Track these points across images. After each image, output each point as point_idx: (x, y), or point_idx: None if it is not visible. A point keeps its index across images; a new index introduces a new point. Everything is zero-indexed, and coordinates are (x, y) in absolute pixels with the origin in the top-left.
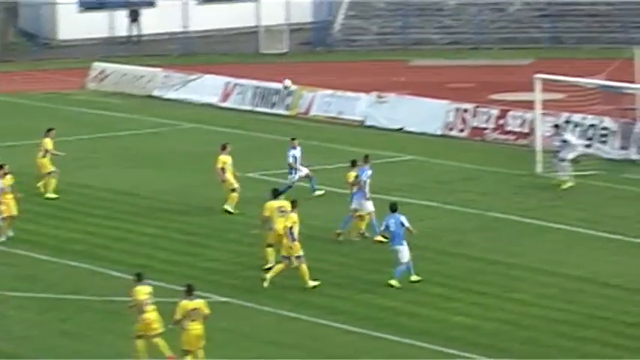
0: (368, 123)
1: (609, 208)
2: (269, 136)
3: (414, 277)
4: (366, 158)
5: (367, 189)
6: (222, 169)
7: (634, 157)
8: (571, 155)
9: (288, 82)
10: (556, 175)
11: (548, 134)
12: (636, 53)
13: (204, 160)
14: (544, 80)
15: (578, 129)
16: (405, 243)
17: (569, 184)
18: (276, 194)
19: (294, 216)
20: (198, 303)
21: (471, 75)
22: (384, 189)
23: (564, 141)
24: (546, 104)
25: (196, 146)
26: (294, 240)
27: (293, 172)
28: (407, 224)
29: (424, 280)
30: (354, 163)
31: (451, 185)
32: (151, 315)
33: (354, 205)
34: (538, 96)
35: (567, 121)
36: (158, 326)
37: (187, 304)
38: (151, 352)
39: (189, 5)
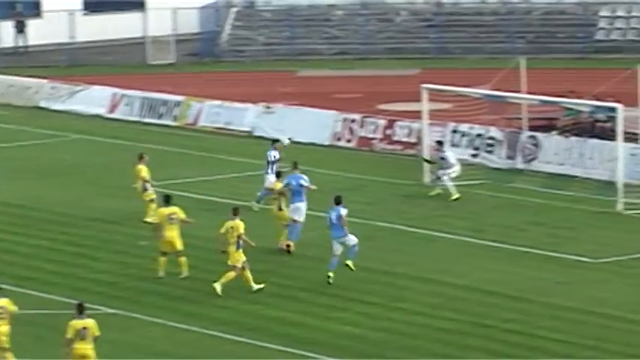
0: (256, 133)
1: (493, 217)
2: (157, 147)
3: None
4: (295, 165)
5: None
6: (145, 180)
7: (520, 166)
8: (447, 172)
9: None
10: (438, 185)
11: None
12: (521, 63)
13: (91, 171)
14: (431, 90)
15: (465, 138)
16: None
17: (456, 195)
18: (167, 200)
19: (241, 223)
20: (88, 322)
21: (359, 85)
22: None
23: (442, 158)
24: (433, 114)
25: (84, 157)
26: (239, 248)
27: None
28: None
29: (312, 290)
30: (278, 175)
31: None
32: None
33: (290, 213)
34: (425, 106)
35: (454, 131)
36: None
37: (77, 323)
38: None
39: (76, 15)
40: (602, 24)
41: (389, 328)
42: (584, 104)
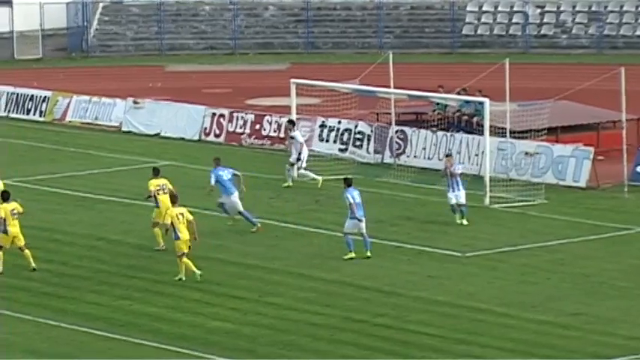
0: (125, 128)
1: (365, 212)
2: (26, 143)
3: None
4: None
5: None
6: None
7: (388, 160)
8: (293, 156)
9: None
10: (301, 176)
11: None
12: (390, 57)
13: None
14: (300, 85)
15: (333, 133)
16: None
17: (289, 183)
18: (5, 198)
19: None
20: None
21: (228, 80)
22: (141, 195)
23: (292, 137)
24: (302, 109)
25: None
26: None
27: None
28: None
29: (182, 286)
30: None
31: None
32: None
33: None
34: (294, 101)
35: (322, 125)
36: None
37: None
38: None
39: None
40: (469, 19)
41: (260, 323)
42: (452, 99)
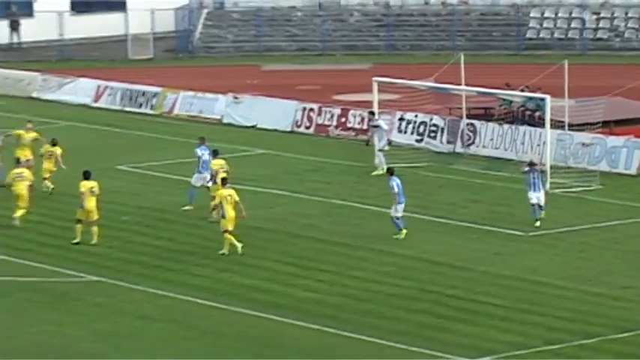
0: (225, 121)
1: (438, 195)
2: (138, 133)
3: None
4: (202, 139)
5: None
6: None
7: (459, 150)
8: (383, 143)
9: None
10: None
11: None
12: (461, 58)
13: (79, 154)
14: (381, 82)
15: (410, 126)
16: (403, 202)
17: (379, 172)
18: (87, 176)
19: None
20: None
21: (317, 78)
22: (241, 179)
23: (375, 126)
24: (383, 104)
25: (72, 142)
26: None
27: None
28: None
29: (277, 260)
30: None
31: (300, 175)
32: None
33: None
34: (376, 96)
35: (401, 119)
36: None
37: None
38: None
39: (64, 16)
40: (532, 24)
41: (344, 293)
42: (517, 95)
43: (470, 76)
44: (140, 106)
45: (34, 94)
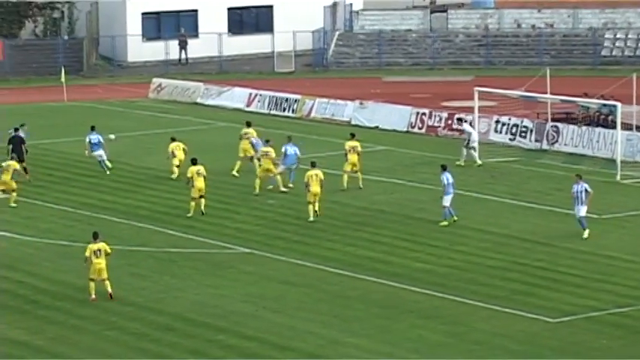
0: (353, 122)
1: (528, 185)
2: (281, 132)
3: (455, 217)
4: (289, 138)
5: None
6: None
7: (545, 147)
8: (473, 142)
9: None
10: (465, 158)
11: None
12: (547, 72)
13: (234, 149)
14: (481, 92)
15: (504, 127)
16: (450, 193)
17: (479, 162)
18: (194, 162)
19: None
20: (100, 244)
21: (428, 88)
22: (366, 170)
23: (462, 131)
24: (482, 109)
25: (228, 139)
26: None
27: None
28: (452, 180)
29: (394, 237)
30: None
31: (413, 168)
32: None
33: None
34: (476, 103)
35: (497, 121)
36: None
37: (92, 245)
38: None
39: (223, 36)
40: (606, 44)
41: (450, 265)
42: (593, 102)
43: (554, 87)
44: (284, 110)
45: (198, 100)
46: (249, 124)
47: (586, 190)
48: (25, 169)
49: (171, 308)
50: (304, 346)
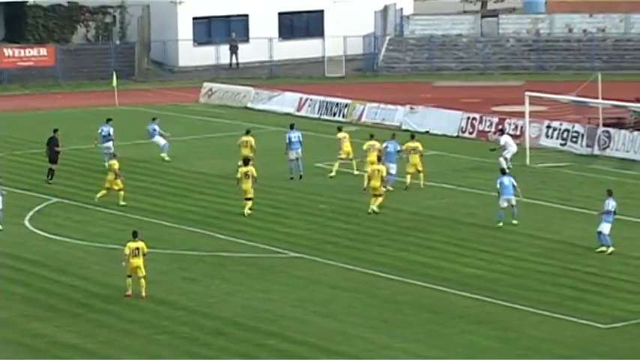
0: (403, 127)
1: (579, 190)
2: (331, 137)
3: (514, 221)
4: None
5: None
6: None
7: (596, 152)
8: (506, 153)
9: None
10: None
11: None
12: (599, 77)
13: (281, 153)
14: (532, 97)
15: (555, 132)
16: (510, 196)
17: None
18: (245, 163)
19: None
20: (139, 243)
21: (478, 93)
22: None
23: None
24: (533, 114)
25: (280, 143)
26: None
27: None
28: (515, 183)
29: (446, 242)
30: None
31: (463, 173)
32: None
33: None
34: (527, 108)
35: (548, 127)
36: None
37: (131, 244)
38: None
39: (274, 41)
40: None
41: (501, 270)
42: None
43: (605, 92)
44: (334, 114)
45: (249, 105)
46: (339, 129)
47: (614, 210)
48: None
49: (222, 312)
50: (353, 351)
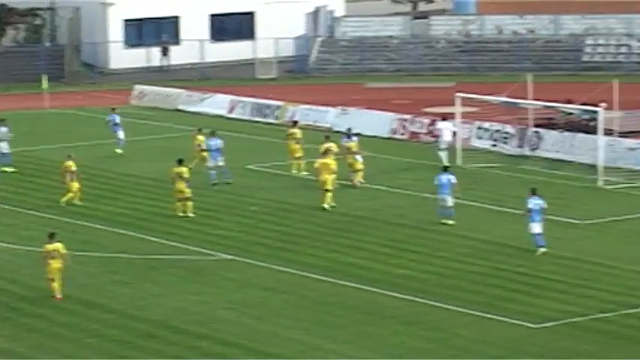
0: (335, 129)
1: (508, 190)
2: (263, 139)
3: (450, 222)
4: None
5: None
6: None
7: (527, 153)
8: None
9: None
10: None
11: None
12: (529, 78)
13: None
14: (462, 98)
15: (486, 133)
16: (449, 193)
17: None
18: (180, 162)
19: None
20: (57, 245)
21: (410, 94)
22: (346, 177)
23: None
24: (464, 115)
25: None
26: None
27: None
28: (454, 181)
29: (375, 243)
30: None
31: (394, 174)
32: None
33: None
34: (458, 109)
35: (479, 127)
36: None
37: (48, 246)
38: None
39: (205, 43)
40: (587, 50)
41: (431, 271)
42: (574, 108)
43: (535, 93)
44: (265, 116)
45: (180, 107)
46: (295, 123)
47: (542, 207)
48: None
49: (153, 315)
50: (286, 353)
